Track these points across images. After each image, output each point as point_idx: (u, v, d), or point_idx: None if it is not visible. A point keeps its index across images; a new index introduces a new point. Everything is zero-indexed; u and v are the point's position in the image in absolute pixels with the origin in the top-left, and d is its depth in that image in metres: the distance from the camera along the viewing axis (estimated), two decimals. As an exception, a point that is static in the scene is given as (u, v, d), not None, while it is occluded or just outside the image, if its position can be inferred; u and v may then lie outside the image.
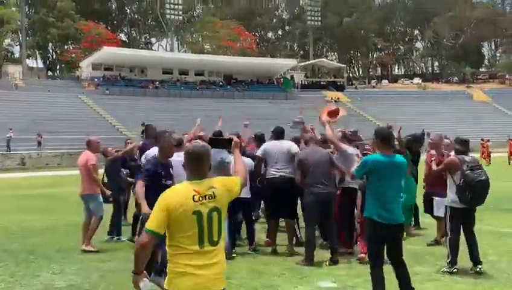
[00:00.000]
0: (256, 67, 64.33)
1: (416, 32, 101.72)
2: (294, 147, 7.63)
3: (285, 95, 61.55)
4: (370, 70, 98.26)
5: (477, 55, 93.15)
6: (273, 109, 52.66)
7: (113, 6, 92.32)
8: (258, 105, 53.55)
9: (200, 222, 3.09)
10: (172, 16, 74.10)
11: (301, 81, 68.85)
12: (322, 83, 69.64)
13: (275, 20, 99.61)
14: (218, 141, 4.52)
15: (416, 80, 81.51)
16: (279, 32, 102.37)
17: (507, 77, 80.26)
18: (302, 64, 74.27)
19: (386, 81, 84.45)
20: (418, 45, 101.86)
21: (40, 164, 35.61)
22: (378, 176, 4.96)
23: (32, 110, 43.19)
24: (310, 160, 7.05)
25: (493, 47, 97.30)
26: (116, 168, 9.07)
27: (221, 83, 63.39)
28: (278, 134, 7.79)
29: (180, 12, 75.00)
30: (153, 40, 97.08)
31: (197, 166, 3.22)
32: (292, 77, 67.24)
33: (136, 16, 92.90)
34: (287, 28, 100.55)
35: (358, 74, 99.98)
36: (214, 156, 7.26)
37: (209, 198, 3.14)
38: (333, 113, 7.55)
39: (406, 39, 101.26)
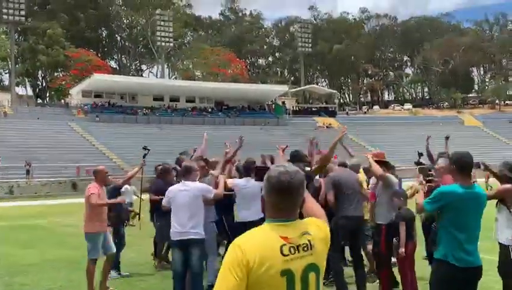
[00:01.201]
0: (248, 93, 64.18)
1: (405, 58, 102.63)
2: None
3: (277, 121, 61.35)
4: (360, 96, 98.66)
5: (466, 81, 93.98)
6: (265, 135, 52.33)
7: (104, 33, 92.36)
8: (250, 131, 53.08)
9: (292, 288, 2.12)
10: (163, 43, 74.12)
11: (292, 107, 68.77)
12: (313, 109, 69.61)
13: (265, 47, 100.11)
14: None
15: (407, 106, 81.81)
16: (270, 58, 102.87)
17: (497, 102, 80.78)
18: (293, 90, 74.31)
19: (377, 107, 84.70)
20: (408, 70, 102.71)
21: (28, 192, 34.83)
22: (455, 212, 4.24)
23: (21, 138, 42.53)
24: (343, 181, 6.77)
25: (482, 72, 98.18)
26: (116, 197, 8.47)
27: (212, 110, 63.10)
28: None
29: (171, 40, 75.07)
30: (144, 66, 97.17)
31: (287, 201, 2.20)
32: (283, 103, 67.17)
33: (127, 43, 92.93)
34: (277, 54, 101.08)
35: (349, 99, 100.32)
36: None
37: (304, 249, 2.16)
38: (379, 155, 7.36)
39: (396, 65, 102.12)
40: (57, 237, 11.80)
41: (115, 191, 8.35)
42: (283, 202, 2.19)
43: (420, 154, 9.49)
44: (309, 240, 2.18)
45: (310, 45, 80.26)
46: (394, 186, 6.82)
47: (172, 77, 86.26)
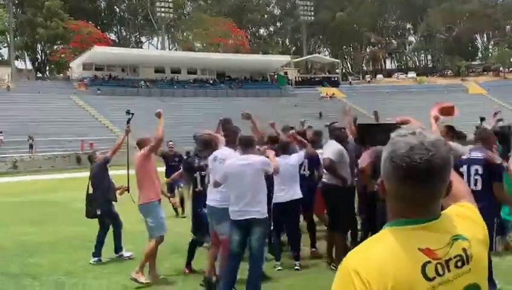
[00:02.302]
0: (250, 64, 63.47)
1: (408, 26, 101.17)
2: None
3: (280, 92, 60.81)
4: (363, 65, 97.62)
5: (470, 48, 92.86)
6: (268, 106, 51.84)
7: (102, 5, 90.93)
8: (253, 103, 52.64)
9: None
10: (163, 14, 73.00)
11: (295, 77, 68.07)
12: (316, 79, 68.89)
13: (266, 16, 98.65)
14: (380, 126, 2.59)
15: (411, 74, 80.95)
16: (271, 28, 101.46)
17: (501, 69, 79.93)
18: (296, 60, 73.45)
19: (381, 76, 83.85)
20: (411, 38, 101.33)
21: (32, 167, 34.59)
22: None
23: (22, 113, 42.11)
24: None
25: (485, 39, 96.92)
26: (104, 175, 7.73)
27: (214, 81, 62.47)
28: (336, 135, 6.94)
29: (171, 10, 73.91)
30: (143, 38, 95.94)
31: (425, 191, 1.39)
32: (286, 73, 66.48)
33: (126, 15, 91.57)
34: (278, 24, 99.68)
35: (351, 69, 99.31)
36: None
37: (457, 266, 1.39)
38: (447, 110, 6.60)
39: (399, 33, 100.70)
40: (70, 213, 11.50)
41: (105, 165, 7.70)
42: (419, 192, 1.38)
43: (482, 119, 9.09)
44: (464, 249, 1.40)
45: (312, 13, 79.03)
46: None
47: (173, 49, 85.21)
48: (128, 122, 7.60)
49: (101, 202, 7.52)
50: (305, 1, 78.27)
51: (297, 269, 6.79)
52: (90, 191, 7.65)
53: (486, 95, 63.24)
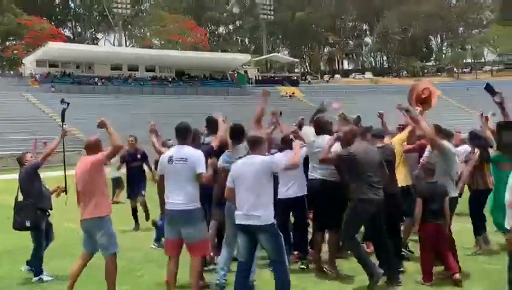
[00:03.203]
0: (209, 62, 62.90)
1: (365, 27, 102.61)
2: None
3: (240, 90, 60.48)
4: (321, 65, 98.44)
5: (425, 50, 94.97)
6: (229, 105, 51.44)
7: (57, 0, 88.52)
8: (213, 101, 52.20)
9: None
10: (120, 10, 71.58)
11: (255, 76, 67.92)
12: (276, 78, 68.92)
13: (225, 15, 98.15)
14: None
15: (368, 75, 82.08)
16: (230, 27, 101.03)
17: (455, 70, 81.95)
18: (256, 59, 73.31)
19: (339, 76, 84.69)
20: (367, 39, 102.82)
21: (-17, 167, 33.09)
22: None
23: (-28, 110, 40.41)
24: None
25: (439, 41, 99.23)
26: (33, 182, 6.65)
27: (173, 79, 61.61)
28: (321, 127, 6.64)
29: (128, 6, 72.54)
30: (99, 35, 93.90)
31: None
32: (246, 72, 66.26)
33: (81, 11, 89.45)
34: (238, 22, 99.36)
35: (310, 68, 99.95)
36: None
37: None
38: (425, 100, 6.32)
39: (355, 34, 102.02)
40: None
41: (35, 171, 6.66)
42: None
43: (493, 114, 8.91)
44: None
45: (272, 13, 79.06)
46: (445, 151, 5.95)
47: (130, 46, 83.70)
48: (63, 115, 7.14)
49: (31, 211, 6.52)
50: (265, 0, 78.22)
51: (302, 268, 6.54)
52: (20, 198, 6.65)
53: (440, 95, 64.55)
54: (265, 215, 5.07)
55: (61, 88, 50.86)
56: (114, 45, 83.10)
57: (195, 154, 5.55)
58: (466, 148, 8.01)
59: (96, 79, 55.81)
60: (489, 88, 6.08)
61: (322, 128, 6.59)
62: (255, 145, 5.26)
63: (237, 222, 5.19)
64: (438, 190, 5.76)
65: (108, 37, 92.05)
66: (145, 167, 10.44)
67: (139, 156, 10.35)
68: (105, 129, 5.80)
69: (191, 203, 5.48)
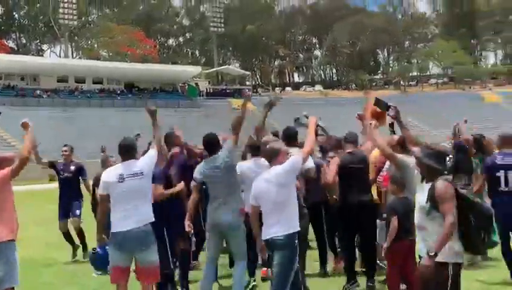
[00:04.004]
0: (159, 74, 62.03)
1: (315, 40, 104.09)
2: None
3: (191, 103, 59.90)
4: (273, 78, 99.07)
5: (373, 63, 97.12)
6: (179, 117, 50.79)
7: (0, 11, 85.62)
8: (163, 114, 51.03)
9: None
10: (66, 21, 69.79)
11: (206, 88, 67.50)
12: (227, 90, 68.71)
13: (175, 27, 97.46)
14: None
15: (318, 87, 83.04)
16: (180, 39, 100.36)
17: (401, 83, 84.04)
18: (207, 71, 72.92)
19: (289, 88, 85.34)
20: (317, 52, 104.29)
21: None
22: None
23: None
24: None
25: (386, 54, 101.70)
26: None
27: (121, 92, 60.38)
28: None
29: (75, 17, 70.84)
30: (45, 46, 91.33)
31: None
32: (197, 84, 65.73)
33: (26, 21, 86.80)
34: (188, 34, 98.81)
35: (260, 81, 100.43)
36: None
37: None
38: (381, 115, 6.02)
39: (305, 47, 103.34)
40: None
41: None
42: None
43: (465, 121, 8.80)
44: None
45: (222, 25, 79.00)
46: (403, 166, 5.61)
47: (77, 57, 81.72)
48: None
49: None
50: (215, 13, 78.11)
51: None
52: None
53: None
54: (284, 228, 4.91)
55: (5, 101, 48.85)
56: (60, 56, 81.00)
57: (150, 167, 5.21)
58: None
59: (41, 91, 54.10)
60: (379, 103, 5.55)
61: (291, 138, 6.52)
62: (273, 157, 5.05)
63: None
64: (410, 205, 5.40)
65: (54, 48, 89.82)
66: (82, 184, 8.98)
67: (72, 167, 8.80)
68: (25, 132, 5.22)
69: (147, 223, 5.08)
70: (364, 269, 6.48)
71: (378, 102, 5.43)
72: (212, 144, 5.87)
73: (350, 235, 6.40)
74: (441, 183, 3.97)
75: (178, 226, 5.89)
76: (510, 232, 6.46)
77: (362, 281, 6.27)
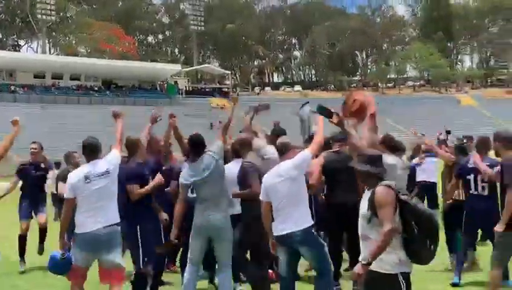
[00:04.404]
0: (138, 72, 61.58)
1: (294, 41, 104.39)
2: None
3: (170, 101, 59.55)
4: (253, 77, 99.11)
5: (351, 65, 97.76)
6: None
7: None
8: (141, 112, 50.88)
9: None
10: (44, 17, 68.88)
11: (185, 87, 67.21)
12: (207, 89, 68.53)
13: (155, 24, 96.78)
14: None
15: (297, 88, 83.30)
16: (160, 36, 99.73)
17: (379, 85, 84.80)
18: (186, 69, 72.62)
19: (269, 88, 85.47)
20: (296, 53, 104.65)
21: None
22: None
23: None
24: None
25: (365, 56, 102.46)
26: None
27: (99, 88, 59.80)
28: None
29: (52, 13, 69.96)
30: (22, 42, 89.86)
31: None
32: (176, 82, 65.41)
33: (3, 16, 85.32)
34: (167, 32, 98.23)
35: (240, 81, 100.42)
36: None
37: None
38: (359, 113, 5.55)
39: (285, 47, 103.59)
40: None
41: None
42: None
43: (448, 132, 8.82)
44: None
45: (202, 24, 78.78)
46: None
47: (54, 53, 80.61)
48: None
49: None
50: (195, 11, 77.84)
51: None
52: None
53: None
54: (300, 222, 4.98)
55: (-21, 96, 48.29)
56: (37, 52, 79.84)
57: (116, 166, 5.17)
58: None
59: (17, 87, 53.32)
60: (322, 110, 5.06)
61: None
62: (283, 152, 5.13)
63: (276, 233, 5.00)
64: None
65: (32, 44, 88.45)
66: (48, 183, 8.63)
67: (43, 165, 8.37)
68: None
69: (113, 224, 5.04)
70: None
71: (321, 109, 5.05)
72: (198, 145, 5.72)
73: (337, 235, 6.32)
74: (380, 189, 3.80)
75: (151, 225, 5.80)
76: (476, 239, 6.69)
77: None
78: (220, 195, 5.54)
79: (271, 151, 5.93)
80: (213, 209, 5.43)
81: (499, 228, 5.35)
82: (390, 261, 3.75)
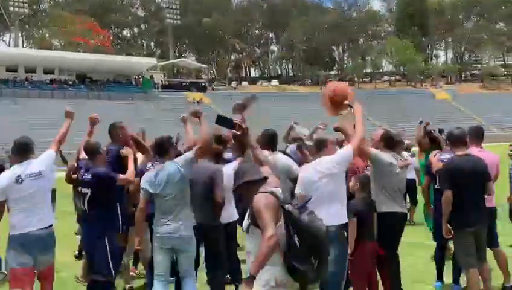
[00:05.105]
0: (113, 65, 60.74)
1: (271, 35, 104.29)
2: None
3: (145, 95, 58.98)
4: (229, 71, 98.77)
5: (328, 59, 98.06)
6: (133, 110, 50.02)
7: None
8: (116, 106, 50.36)
9: None
10: (16, 9, 67.49)
11: (161, 81, 66.58)
12: (183, 83, 68.01)
13: (130, 18, 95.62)
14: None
15: (274, 82, 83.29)
16: (135, 30, 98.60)
17: (356, 79, 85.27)
18: (162, 63, 71.94)
19: (246, 82, 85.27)
20: (273, 47, 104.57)
21: None
22: None
23: None
24: None
25: (341, 51, 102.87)
26: None
27: (73, 82, 58.84)
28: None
29: (25, 5, 68.61)
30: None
31: None
32: (152, 77, 64.73)
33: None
34: (143, 26, 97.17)
35: (216, 75, 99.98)
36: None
37: None
38: (337, 101, 5.08)
39: (262, 42, 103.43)
40: None
41: None
42: None
43: (441, 131, 8.56)
44: None
45: (178, 17, 78.11)
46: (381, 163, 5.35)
47: (27, 47, 79.11)
48: None
49: None
50: (171, 4, 77.12)
51: None
52: None
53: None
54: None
55: None
56: (10, 45, 78.27)
57: (49, 167, 5.05)
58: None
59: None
60: (223, 121, 4.53)
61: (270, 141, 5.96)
62: (322, 148, 5.00)
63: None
64: (371, 204, 5.29)
65: (4, 37, 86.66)
66: None
67: None
68: None
69: (48, 225, 4.97)
70: None
71: (222, 120, 4.52)
72: (161, 147, 5.41)
73: None
74: (258, 195, 3.52)
75: (115, 227, 5.72)
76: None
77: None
78: (183, 205, 5.25)
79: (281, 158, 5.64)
80: (175, 221, 5.16)
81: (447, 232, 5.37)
82: (262, 281, 3.42)
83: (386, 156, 5.31)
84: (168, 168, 5.20)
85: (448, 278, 6.30)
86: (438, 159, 6.06)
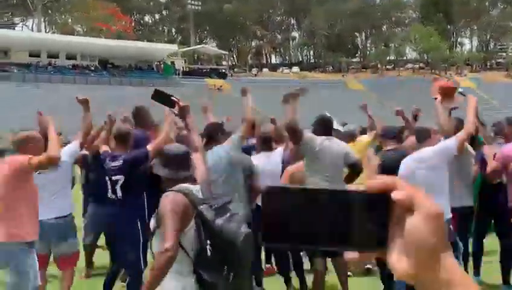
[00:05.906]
0: (135, 51, 60.92)
1: (293, 21, 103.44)
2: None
3: (166, 82, 58.99)
4: (250, 58, 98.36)
5: (351, 46, 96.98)
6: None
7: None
8: (137, 92, 50.38)
9: None
10: (39, -6, 68.08)
11: (182, 67, 66.61)
12: (204, 70, 67.94)
13: (152, 3, 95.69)
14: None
15: (295, 69, 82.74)
16: (157, 16, 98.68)
17: (379, 66, 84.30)
18: (183, 50, 71.93)
19: (266, 69, 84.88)
20: (295, 34, 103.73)
21: None
22: None
23: None
24: None
25: (364, 38, 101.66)
26: None
27: (95, 68, 59.20)
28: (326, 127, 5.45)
29: (48, -10, 69.13)
30: (17, 20, 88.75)
31: None
32: (173, 63, 64.78)
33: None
34: (164, 12, 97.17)
35: (237, 61, 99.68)
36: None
37: None
38: (448, 92, 5.21)
39: (283, 28, 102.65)
40: None
41: None
42: None
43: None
44: None
45: (200, 3, 77.87)
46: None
47: (50, 32, 79.74)
48: None
49: None
50: (193, -11, 76.98)
51: None
52: None
53: (363, 90, 66.14)
54: None
55: (-27, 75, 47.74)
56: (33, 30, 78.96)
57: (71, 157, 5.17)
58: None
59: (12, 66, 52.67)
60: (160, 97, 4.31)
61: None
62: (424, 138, 4.87)
63: None
64: None
65: (27, 22, 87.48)
66: None
67: None
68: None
69: (66, 215, 5.18)
70: None
71: (158, 96, 4.26)
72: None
73: None
74: (164, 195, 3.05)
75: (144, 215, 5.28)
76: None
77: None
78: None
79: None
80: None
81: None
82: None
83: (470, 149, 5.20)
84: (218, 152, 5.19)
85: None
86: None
